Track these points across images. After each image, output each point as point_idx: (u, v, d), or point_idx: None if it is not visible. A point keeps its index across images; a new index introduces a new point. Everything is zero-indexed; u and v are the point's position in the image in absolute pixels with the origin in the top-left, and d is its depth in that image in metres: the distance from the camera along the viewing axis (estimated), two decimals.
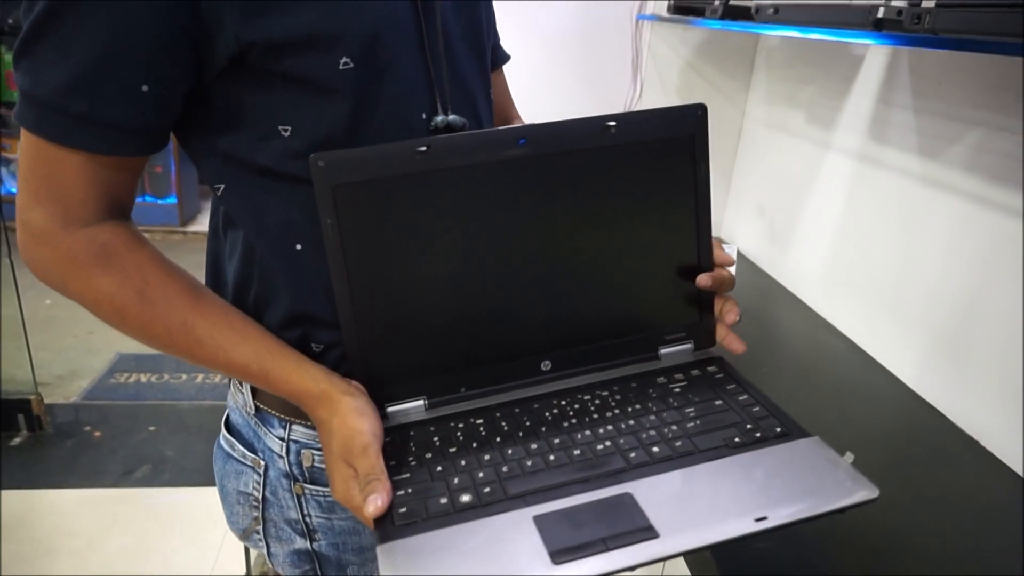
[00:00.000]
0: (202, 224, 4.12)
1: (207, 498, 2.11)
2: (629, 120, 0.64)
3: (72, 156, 0.55)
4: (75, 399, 2.55)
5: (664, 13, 1.59)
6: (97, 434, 2.37)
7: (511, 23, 1.64)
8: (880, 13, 0.82)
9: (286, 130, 0.60)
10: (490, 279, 0.65)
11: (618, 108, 1.80)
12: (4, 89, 3.54)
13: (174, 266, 0.63)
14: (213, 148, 0.62)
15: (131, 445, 2.32)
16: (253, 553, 1.75)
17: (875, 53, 1.25)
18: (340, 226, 0.59)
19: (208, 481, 2.19)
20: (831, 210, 1.38)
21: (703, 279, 0.68)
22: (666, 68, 1.73)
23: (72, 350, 2.83)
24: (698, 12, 1.33)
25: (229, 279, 0.69)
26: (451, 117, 0.66)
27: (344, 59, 0.58)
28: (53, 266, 0.58)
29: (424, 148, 0.59)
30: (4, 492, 2.04)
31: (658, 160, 0.66)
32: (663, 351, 0.71)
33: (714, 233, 1.82)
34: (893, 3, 0.81)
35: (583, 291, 0.68)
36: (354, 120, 0.60)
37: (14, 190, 3.61)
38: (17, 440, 2.31)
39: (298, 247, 0.65)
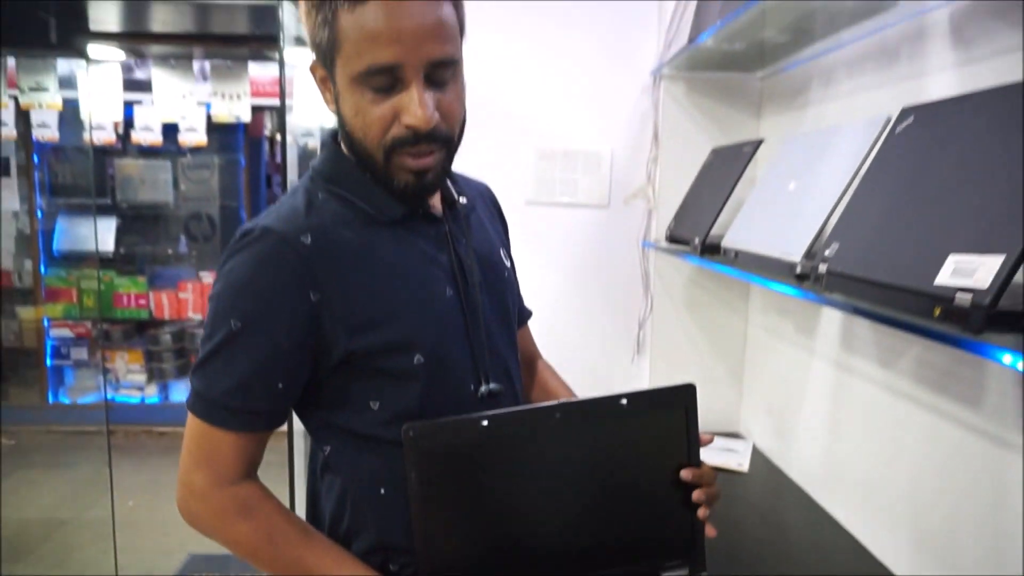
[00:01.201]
0: None
1: None
2: (637, 397, 0.85)
3: (228, 435, 0.79)
4: None
5: (663, 241, 1.87)
6: None
7: (536, 261, 1.97)
8: (798, 269, 1.06)
9: (375, 404, 0.83)
10: (531, 517, 0.85)
11: (633, 321, 2.04)
12: (110, 306, 4.06)
13: (291, 513, 0.84)
14: (323, 420, 0.86)
15: None
16: None
17: None
18: (420, 478, 0.80)
19: None
20: (821, 410, 1.53)
21: (685, 474, 0.86)
22: (672, 284, 1.98)
23: (149, 550, 3.03)
24: (686, 243, 1.60)
25: (326, 514, 0.90)
26: (492, 386, 0.89)
27: (418, 356, 0.83)
28: (207, 517, 0.81)
29: (486, 422, 0.81)
30: None
31: (659, 425, 0.88)
32: (664, 575, 0.88)
33: (730, 429, 2.00)
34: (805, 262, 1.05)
35: (601, 525, 0.87)
36: (424, 395, 0.83)
37: (109, 396, 4.02)
38: None
39: (382, 491, 0.85)
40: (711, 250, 1.48)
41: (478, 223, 0.96)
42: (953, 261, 0.72)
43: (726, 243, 1.38)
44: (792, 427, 1.68)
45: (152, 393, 4.17)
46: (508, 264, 1.00)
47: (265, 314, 0.78)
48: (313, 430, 0.88)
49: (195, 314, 4.04)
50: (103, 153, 4.07)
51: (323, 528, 0.89)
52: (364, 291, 0.80)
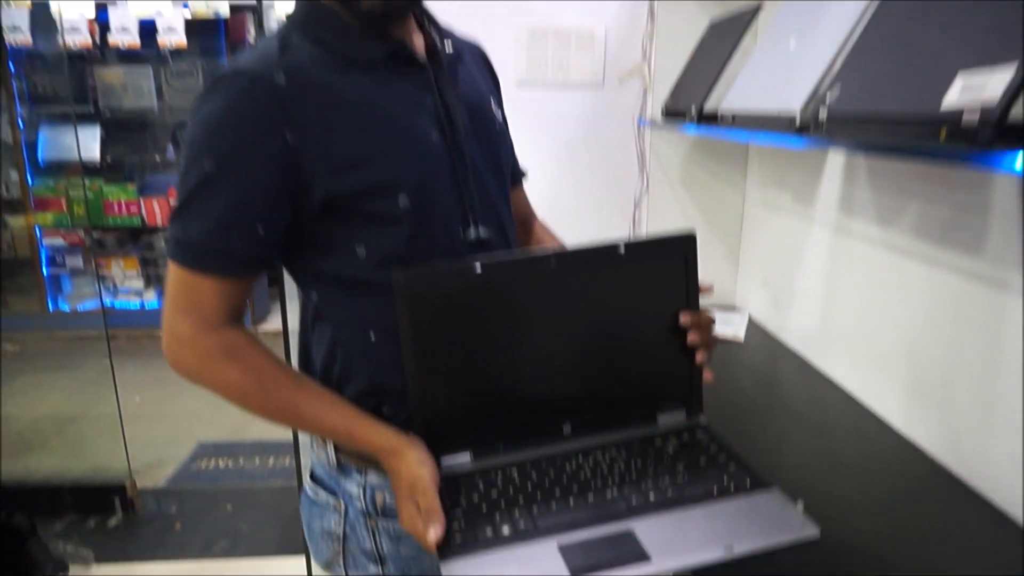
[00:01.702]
0: (272, 323, 4.46)
1: (280, 566, 2.31)
2: (635, 245, 0.84)
3: (209, 280, 0.78)
4: (162, 484, 2.81)
5: (659, 118, 1.84)
6: (179, 513, 2.61)
7: (528, 137, 1.92)
8: (798, 121, 1.05)
9: (361, 250, 0.82)
10: (525, 361, 0.86)
11: (629, 200, 2.03)
12: (102, 215, 4.02)
13: (279, 358, 0.85)
14: (309, 267, 0.86)
15: (211, 523, 2.55)
16: None
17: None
18: (413, 324, 0.80)
19: (280, 551, 2.40)
20: (818, 275, 1.56)
21: (683, 318, 0.86)
22: (668, 163, 1.97)
23: (159, 441, 3.13)
24: (683, 116, 1.58)
25: (317, 362, 0.90)
26: (481, 232, 0.88)
27: (403, 198, 0.81)
28: (193, 362, 0.81)
29: (480, 269, 0.80)
30: (103, 566, 2.29)
31: (658, 275, 0.87)
32: (661, 417, 0.90)
33: (727, 302, 2.02)
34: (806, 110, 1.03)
35: (598, 370, 0.88)
36: (411, 239, 0.82)
37: (108, 302, 4.04)
38: (113, 521, 2.57)
39: (372, 336, 0.86)
40: (709, 119, 1.45)
41: (466, 74, 0.93)
42: (961, 79, 0.71)
43: (723, 108, 1.36)
44: (788, 296, 1.70)
45: (151, 298, 4.20)
46: (499, 117, 0.98)
47: (238, 154, 0.76)
48: (300, 277, 0.88)
49: None
50: (81, 60, 3.93)
51: (315, 376, 0.90)
52: (343, 131, 0.78)
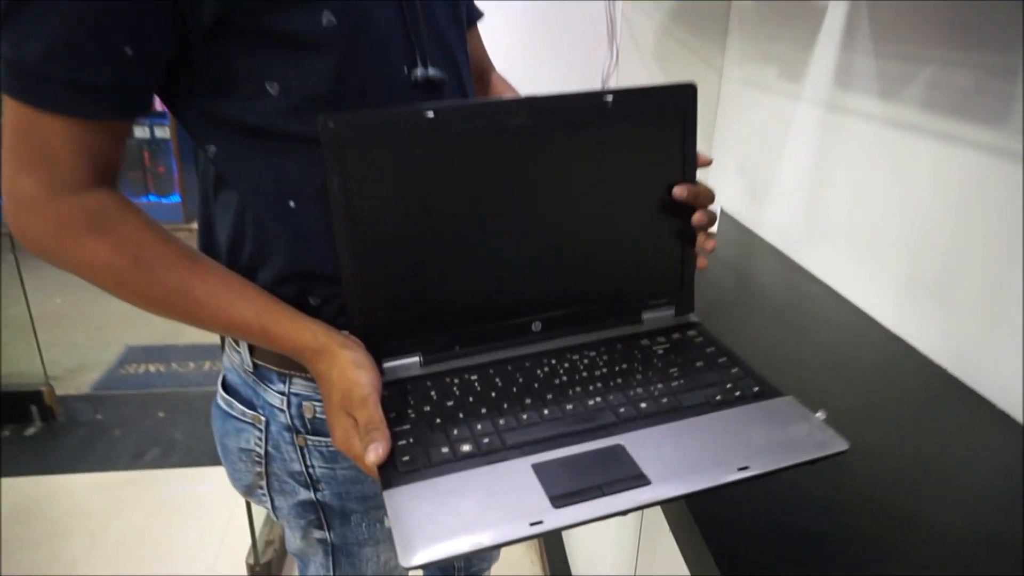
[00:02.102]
0: None
1: (215, 476, 2.17)
2: (625, 95, 0.68)
3: (58, 122, 0.56)
4: (86, 390, 2.61)
5: None
6: (106, 421, 2.43)
7: (487, 12, 1.68)
8: None
9: (273, 87, 0.61)
10: (486, 243, 0.68)
11: (595, 77, 1.82)
12: None
13: (167, 232, 0.64)
14: (203, 111, 0.64)
15: (141, 431, 2.38)
16: (259, 527, 1.80)
17: (836, 5, 1.27)
18: (346, 185, 0.61)
19: (216, 460, 2.24)
20: (804, 160, 1.40)
21: (679, 190, 0.70)
22: (641, 33, 1.75)
23: (82, 345, 2.90)
24: None
25: (222, 241, 0.71)
26: (431, 71, 0.68)
27: (327, 15, 0.60)
28: (44, 235, 0.59)
29: (432, 114, 0.61)
30: (19, 479, 2.11)
31: (649, 134, 0.69)
32: (646, 315, 0.75)
33: None
34: None
35: (573, 257, 0.71)
36: (338, 75, 0.62)
37: None
38: (31, 430, 2.38)
39: (291, 204, 0.66)
40: None
41: None
42: None
43: None
44: (766, 186, 1.55)
45: None
46: None
47: None
48: (193, 128, 0.66)
49: None
50: None
51: (220, 260, 0.71)
52: None
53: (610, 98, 0.66)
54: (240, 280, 0.67)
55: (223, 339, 0.81)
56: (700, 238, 0.74)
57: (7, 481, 2.09)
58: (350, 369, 0.61)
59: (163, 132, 3.97)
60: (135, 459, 2.24)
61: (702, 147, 1.72)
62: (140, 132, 3.90)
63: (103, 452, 2.27)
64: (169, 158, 4.06)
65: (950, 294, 1.01)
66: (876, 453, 0.81)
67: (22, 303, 2.32)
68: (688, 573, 0.73)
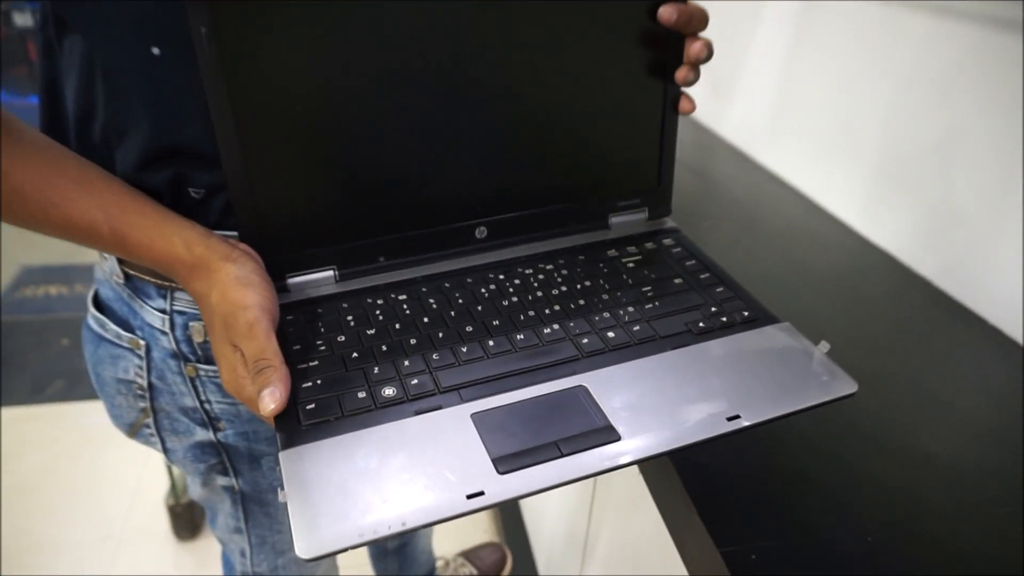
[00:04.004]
0: None
1: None
2: None
3: None
4: None
5: None
6: (2, 351, 2.19)
7: None
8: None
9: None
10: (418, 124, 0.52)
11: None
12: None
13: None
14: None
15: (42, 361, 2.16)
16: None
17: None
18: (219, 39, 0.44)
19: None
20: (774, 50, 1.24)
21: (666, 11, 0.53)
22: None
23: None
24: None
25: (68, 106, 0.54)
26: None
27: None
28: None
29: None
30: None
31: None
32: (614, 219, 0.63)
33: None
34: None
35: (525, 145, 0.57)
36: None
37: None
38: None
39: (155, 51, 0.49)
40: None
41: None
42: None
43: None
44: (730, 83, 1.39)
45: None
46: None
47: None
48: None
49: None
50: None
51: (66, 137, 0.54)
52: None
53: None
54: (82, 163, 0.50)
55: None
56: (686, 72, 0.57)
57: None
58: (232, 288, 0.46)
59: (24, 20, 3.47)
60: (36, 393, 2.03)
61: None
62: (21, 20, 3.42)
63: None
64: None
65: (936, 196, 0.89)
66: (868, 377, 0.69)
67: None
68: (659, 516, 0.61)
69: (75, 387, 2.05)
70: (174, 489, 1.58)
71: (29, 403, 1.99)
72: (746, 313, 0.53)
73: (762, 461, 0.58)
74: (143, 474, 1.77)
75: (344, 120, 0.50)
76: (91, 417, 1.94)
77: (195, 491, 0.74)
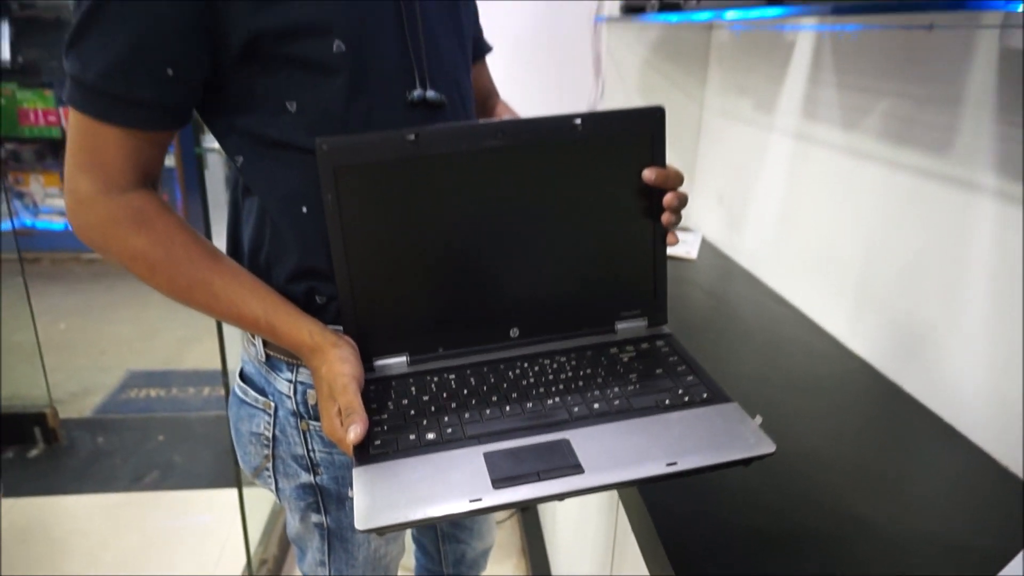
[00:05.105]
0: None
1: (212, 499, 2.20)
2: (594, 118, 0.73)
3: (112, 131, 0.66)
4: (88, 414, 2.67)
5: (617, 13, 1.69)
6: (107, 444, 2.47)
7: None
8: None
9: (292, 106, 0.70)
10: (468, 253, 0.74)
11: (582, 107, 1.90)
12: (15, 124, 3.70)
13: (196, 232, 0.73)
14: (233, 126, 0.73)
15: (141, 454, 2.43)
16: (254, 546, 1.83)
17: (804, 39, 1.34)
18: (339, 201, 0.69)
19: (214, 483, 2.30)
20: (775, 190, 1.46)
21: (648, 174, 0.73)
22: (625, 67, 1.83)
23: (86, 370, 2.96)
24: (642, 9, 1.43)
25: (245, 241, 0.79)
26: (428, 93, 0.75)
27: (337, 43, 0.68)
28: (96, 227, 0.69)
29: (413, 136, 0.68)
30: (21, 499, 2.15)
31: (619, 155, 0.74)
32: (619, 325, 0.80)
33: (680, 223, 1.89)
34: None
35: (550, 268, 0.77)
36: (348, 95, 0.71)
37: (28, 222, 3.77)
38: (34, 452, 2.43)
39: (304, 210, 0.74)
40: (671, 7, 1.32)
41: None
42: None
43: None
44: (743, 214, 1.61)
45: None
46: None
47: None
48: (224, 140, 0.75)
49: None
50: None
51: (243, 259, 0.79)
52: None
53: (579, 121, 0.72)
54: (253, 279, 0.75)
55: (242, 334, 0.88)
56: (668, 216, 0.76)
57: (9, 502, 2.13)
58: (336, 363, 0.68)
59: (169, 161, 4.07)
60: (135, 481, 2.28)
61: (685, 177, 1.81)
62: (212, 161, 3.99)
63: (104, 474, 2.31)
64: (174, 187, 4.16)
65: (896, 310, 1.07)
66: (826, 459, 0.86)
67: (27, 328, 2.39)
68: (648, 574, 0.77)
69: (168, 478, 2.30)
70: (249, 567, 1.77)
71: (128, 490, 2.23)
72: (705, 395, 0.70)
73: (726, 516, 0.75)
74: (222, 556, 1.96)
75: (418, 252, 0.73)
76: (181, 505, 2.16)
77: (292, 528, 0.93)
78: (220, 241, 0.82)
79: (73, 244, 3.90)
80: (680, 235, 1.76)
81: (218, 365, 1.63)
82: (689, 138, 1.87)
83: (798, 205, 1.38)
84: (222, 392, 2.82)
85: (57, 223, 3.92)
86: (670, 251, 0.81)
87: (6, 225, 3.86)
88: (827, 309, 1.26)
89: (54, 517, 2.11)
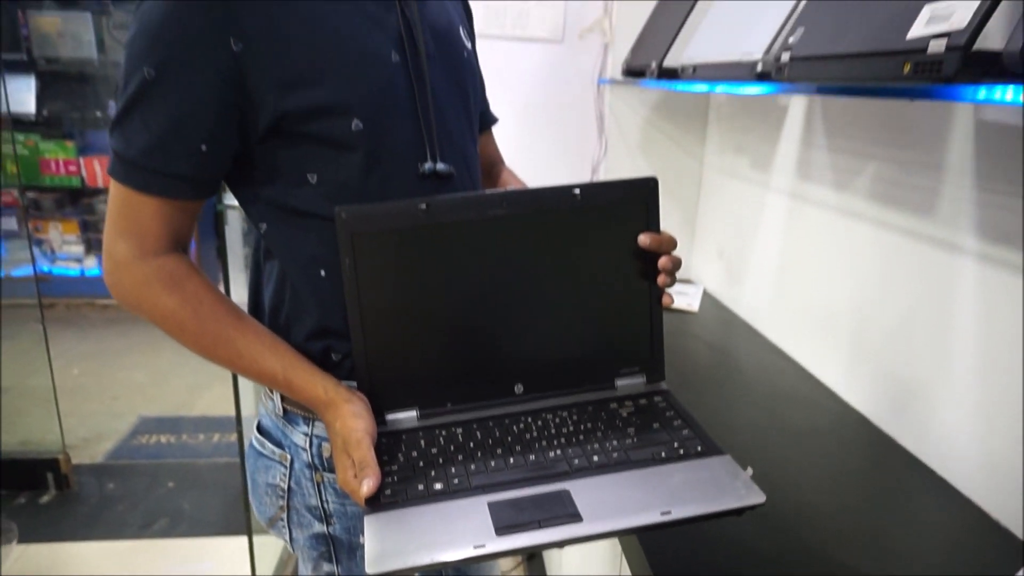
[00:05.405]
0: None
1: (221, 546, 2.22)
2: (592, 189, 0.78)
3: (150, 201, 0.73)
4: (100, 459, 2.69)
5: (619, 77, 1.78)
6: (117, 490, 2.50)
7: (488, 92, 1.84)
8: (759, 68, 0.99)
9: (313, 178, 0.76)
10: (475, 314, 0.79)
11: (587, 165, 1.97)
12: (37, 174, 3.82)
13: (221, 293, 0.79)
14: (258, 195, 0.79)
15: (151, 500, 2.45)
16: None
17: (796, 102, 1.41)
18: (355, 265, 0.74)
19: (223, 531, 2.31)
20: (772, 245, 1.51)
21: (644, 239, 0.78)
22: (627, 126, 1.90)
23: (98, 415, 2.99)
24: (643, 74, 1.51)
25: (266, 301, 0.85)
26: (439, 166, 0.81)
27: (356, 122, 0.75)
28: (131, 289, 0.75)
29: (424, 206, 0.74)
30: (33, 545, 2.17)
31: (617, 222, 0.80)
32: (619, 382, 0.84)
33: (682, 275, 1.97)
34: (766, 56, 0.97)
35: (553, 327, 0.81)
36: (365, 169, 0.77)
37: (46, 268, 3.86)
38: (46, 498, 2.45)
39: (322, 273, 0.80)
40: (669, 75, 1.39)
41: None
42: (928, 10, 0.65)
43: (684, 60, 1.30)
44: (742, 268, 1.66)
45: (92, 265, 4.02)
46: (468, 46, 0.91)
47: (181, 61, 0.69)
48: (249, 207, 0.81)
49: None
50: (13, 3, 3.69)
51: (263, 317, 0.85)
52: (295, 44, 0.72)
53: (578, 191, 0.78)
54: (273, 337, 0.80)
55: (261, 389, 0.92)
56: (663, 279, 0.81)
57: (21, 547, 2.15)
58: (350, 419, 0.73)
59: None
60: (144, 528, 2.30)
61: (686, 230, 1.89)
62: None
63: (114, 521, 2.33)
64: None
65: (889, 363, 1.11)
66: (820, 509, 0.89)
67: (43, 373, 2.44)
68: None
69: (177, 525, 2.31)
70: None
71: (138, 537, 2.25)
72: (699, 448, 0.74)
73: (722, 563, 0.78)
74: None
75: (428, 313, 0.78)
76: (190, 552, 2.18)
77: None
78: (237, 288, 0.88)
79: (88, 289, 3.98)
80: (682, 287, 1.81)
81: (227, 411, 1.67)
82: (690, 193, 1.94)
83: (795, 260, 1.43)
84: (231, 438, 2.85)
85: (73, 269, 4.00)
86: (673, 304, 0.86)
87: (24, 270, 3.96)
88: (824, 362, 1.30)
89: (65, 564, 2.12)
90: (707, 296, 1.80)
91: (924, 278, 1.04)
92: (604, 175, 1.94)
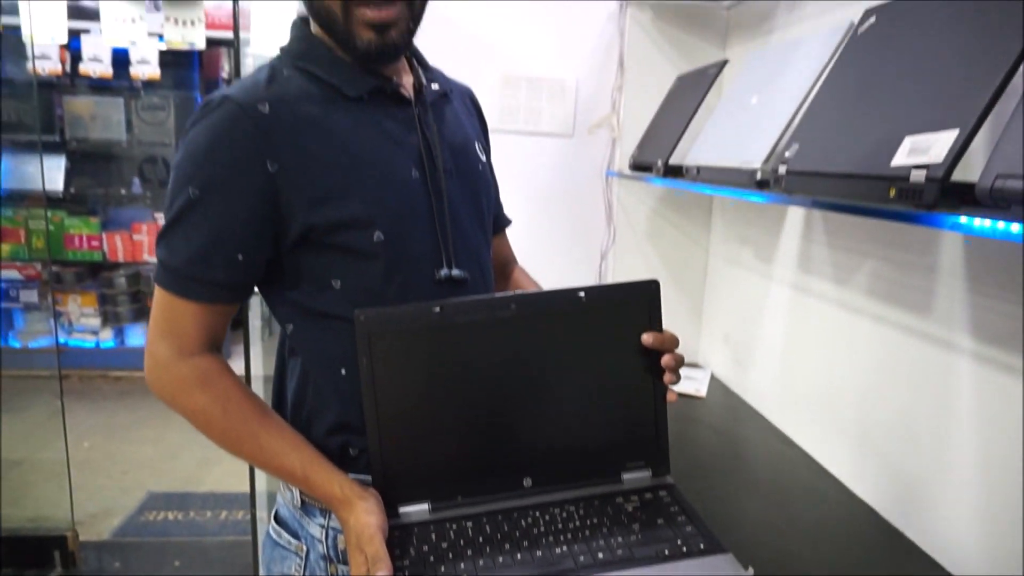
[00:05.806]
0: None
1: None
2: (596, 291, 0.83)
3: (190, 306, 0.80)
4: (107, 536, 2.68)
5: (627, 170, 1.87)
6: (123, 570, 2.48)
7: (501, 187, 1.93)
8: (758, 176, 1.06)
9: (337, 283, 0.83)
10: (486, 410, 0.83)
11: (596, 252, 2.04)
12: (62, 248, 3.93)
13: (250, 391, 0.84)
14: (285, 298, 0.86)
15: None
16: None
17: None
18: (372, 364, 0.79)
19: None
20: (777, 334, 1.56)
21: (647, 338, 0.82)
22: (635, 216, 1.98)
23: (107, 489, 2.99)
24: (649, 169, 1.59)
25: (289, 396, 0.90)
26: (454, 272, 0.87)
27: (378, 234, 0.82)
28: (167, 386, 0.82)
29: (438, 309, 0.79)
30: None
31: (620, 322, 0.84)
32: (625, 476, 0.86)
33: (689, 359, 2.01)
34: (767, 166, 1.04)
35: (561, 423, 0.85)
36: (385, 276, 0.83)
37: (63, 340, 3.92)
38: None
39: (343, 372, 0.85)
40: (674, 172, 1.47)
41: (453, 114, 0.94)
42: (909, 142, 0.72)
43: (688, 161, 1.38)
44: (749, 354, 1.70)
45: (107, 337, 4.08)
46: (483, 159, 0.98)
47: (222, 182, 0.77)
48: (277, 310, 0.88)
49: (151, 257, 3.95)
50: (51, 88, 3.89)
51: (286, 412, 0.89)
52: (323, 163, 0.80)
53: (583, 294, 0.83)
54: (295, 435, 0.84)
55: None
56: (667, 376, 0.84)
57: None
58: (363, 515, 0.77)
59: None
60: None
61: (693, 315, 1.94)
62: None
63: None
64: None
65: (894, 456, 1.13)
66: None
67: (54, 447, 2.46)
68: None
69: None
70: None
71: None
72: (702, 545, 0.77)
73: None
74: None
75: (441, 411, 0.82)
76: None
77: None
78: (258, 364, 0.92)
79: (102, 361, 4.03)
80: (690, 371, 1.85)
81: (236, 487, 1.68)
82: (696, 279, 2.00)
83: (800, 349, 1.47)
84: (239, 515, 2.84)
85: (88, 341, 4.06)
86: (680, 389, 0.90)
87: (42, 342, 4.03)
88: (831, 451, 1.33)
89: None
90: (715, 380, 1.83)
91: (923, 374, 1.08)
92: (613, 262, 2.00)
